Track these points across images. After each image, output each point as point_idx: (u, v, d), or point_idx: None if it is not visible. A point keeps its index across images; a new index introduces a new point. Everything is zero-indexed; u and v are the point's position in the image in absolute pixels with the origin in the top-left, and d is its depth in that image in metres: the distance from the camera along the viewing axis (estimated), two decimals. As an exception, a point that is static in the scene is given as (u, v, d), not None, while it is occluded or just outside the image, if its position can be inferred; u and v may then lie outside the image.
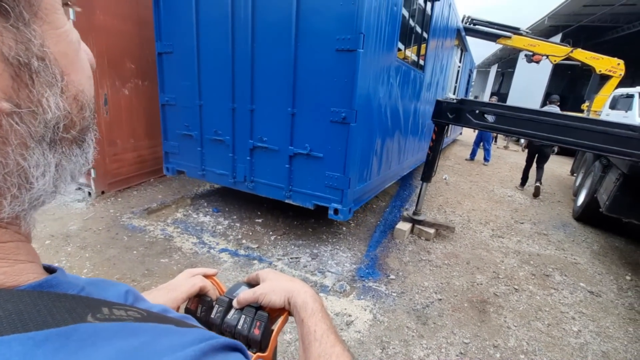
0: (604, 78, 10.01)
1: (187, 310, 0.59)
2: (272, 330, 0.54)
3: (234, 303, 0.56)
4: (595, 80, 10.29)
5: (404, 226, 3.83)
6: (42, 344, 0.20)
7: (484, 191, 6.16)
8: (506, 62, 27.77)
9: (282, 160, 3.26)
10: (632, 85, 9.00)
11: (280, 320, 0.55)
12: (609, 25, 15.67)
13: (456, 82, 9.64)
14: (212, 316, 0.56)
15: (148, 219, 3.71)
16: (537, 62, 10.27)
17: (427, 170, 3.76)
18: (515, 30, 10.11)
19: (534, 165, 6.29)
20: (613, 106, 8.65)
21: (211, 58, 3.44)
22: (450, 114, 3.40)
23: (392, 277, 3.02)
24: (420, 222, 3.90)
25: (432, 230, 3.84)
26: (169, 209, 4.03)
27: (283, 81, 3.07)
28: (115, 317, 0.25)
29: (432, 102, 5.88)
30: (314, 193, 3.18)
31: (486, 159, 8.70)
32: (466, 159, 9.09)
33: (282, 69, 3.04)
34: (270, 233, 3.65)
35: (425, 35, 4.71)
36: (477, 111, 3.30)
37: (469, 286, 3.01)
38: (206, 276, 0.64)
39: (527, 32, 10.33)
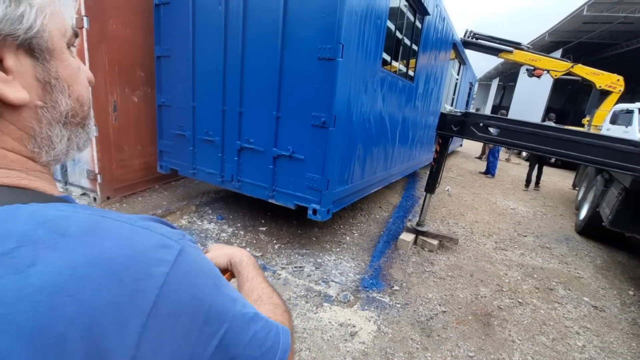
0: (604, 93, 10.13)
1: None
2: None
3: None
4: (595, 96, 10.42)
5: (407, 237, 3.83)
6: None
7: (486, 203, 6.18)
8: (508, 76, 28.10)
9: (267, 161, 3.35)
10: (632, 100, 9.11)
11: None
12: (608, 42, 15.93)
13: (454, 94, 9.76)
14: None
15: (153, 225, 3.72)
16: (538, 76, 10.41)
17: (431, 181, 3.79)
18: (517, 45, 10.27)
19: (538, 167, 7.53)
20: (614, 121, 8.74)
21: (205, 63, 3.58)
22: (455, 126, 3.45)
23: (396, 288, 3.02)
24: (423, 233, 3.91)
25: (435, 242, 3.85)
26: (174, 216, 4.05)
27: (269, 86, 3.19)
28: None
29: (425, 112, 6.02)
30: (295, 193, 3.26)
31: (492, 173, 8.71)
32: (483, 174, 9.02)
33: (269, 74, 3.17)
34: (274, 241, 3.66)
35: (415, 47, 4.82)
36: (481, 124, 3.35)
37: (472, 299, 3.00)
38: None
39: (528, 47, 10.50)
